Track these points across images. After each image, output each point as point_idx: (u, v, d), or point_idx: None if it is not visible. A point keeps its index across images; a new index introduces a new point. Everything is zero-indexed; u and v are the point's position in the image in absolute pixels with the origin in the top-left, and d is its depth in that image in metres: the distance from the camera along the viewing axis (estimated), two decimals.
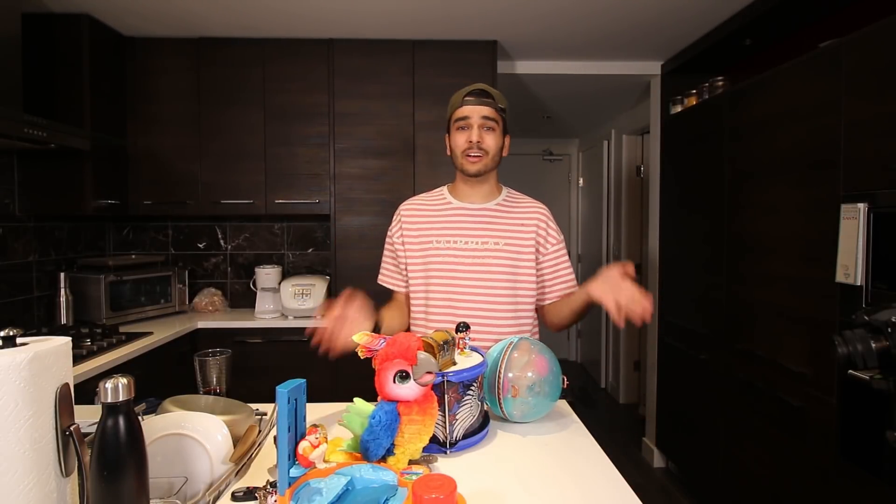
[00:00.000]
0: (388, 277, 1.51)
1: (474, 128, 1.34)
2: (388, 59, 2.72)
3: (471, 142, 1.34)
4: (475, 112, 1.34)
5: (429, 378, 0.87)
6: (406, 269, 1.44)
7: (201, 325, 2.60)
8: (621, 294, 1.11)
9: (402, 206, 1.49)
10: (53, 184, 2.36)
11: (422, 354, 0.87)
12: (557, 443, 1.05)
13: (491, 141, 1.35)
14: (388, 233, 1.49)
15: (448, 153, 1.42)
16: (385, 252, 1.52)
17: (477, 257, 1.36)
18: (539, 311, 1.46)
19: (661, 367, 2.93)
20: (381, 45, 2.71)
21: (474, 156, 1.34)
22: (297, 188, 2.75)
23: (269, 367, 2.57)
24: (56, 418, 0.65)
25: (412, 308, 1.44)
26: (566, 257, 1.45)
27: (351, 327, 1.14)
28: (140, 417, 0.72)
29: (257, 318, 2.72)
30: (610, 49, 2.86)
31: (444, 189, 1.49)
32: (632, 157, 4.10)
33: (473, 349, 1.13)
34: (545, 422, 1.16)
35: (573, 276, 1.44)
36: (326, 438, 0.78)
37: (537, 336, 1.43)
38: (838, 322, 1.56)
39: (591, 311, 1.34)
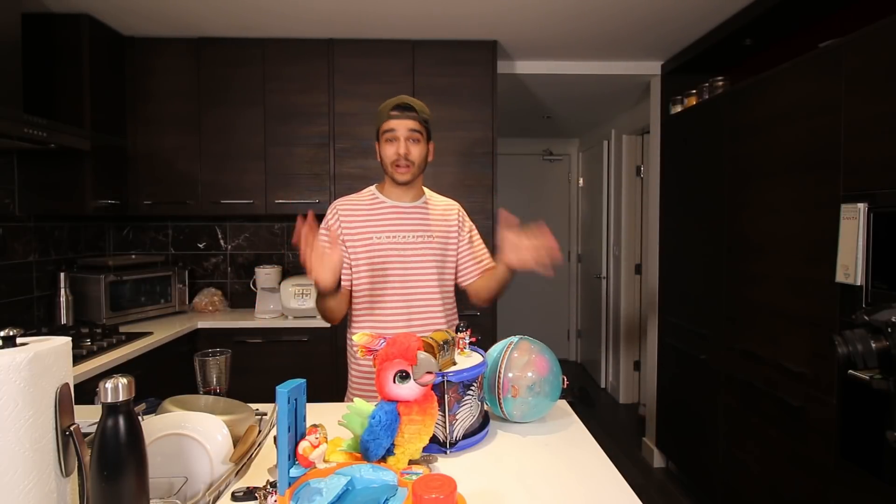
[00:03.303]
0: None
1: (401, 140, 1.44)
2: (388, 59, 2.72)
3: (399, 154, 1.44)
4: (401, 126, 1.44)
5: (429, 378, 0.87)
6: (349, 264, 1.49)
7: (201, 325, 2.60)
8: (527, 252, 1.31)
9: (337, 204, 1.53)
10: (53, 184, 2.36)
11: (422, 354, 0.87)
12: (557, 443, 1.05)
13: (416, 152, 1.47)
14: (325, 227, 1.51)
15: (378, 159, 1.52)
16: (325, 242, 1.50)
17: (416, 250, 1.50)
18: (466, 289, 1.62)
19: (661, 367, 2.93)
20: (381, 45, 2.71)
21: (403, 166, 1.46)
22: (297, 188, 2.75)
23: (269, 367, 2.57)
24: (56, 418, 0.65)
25: (355, 302, 1.50)
26: (480, 239, 1.65)
27: (325, 260, 1.24)
28: (140, 417, 0.72)
29: (257, 318, 2.72)
30: (610, 49, 2.86)
31: (374, 189, 1.58)
32: (632, 157, 4.10)
33: (473, 349, 1.13)
34: (545, 422, 1.16)
35: (488, 254, 1.64)
36: (326, 438, 0.78)
37: (455, 314, 1.59)
38: (838, 322, 1.56)
39: (514, 282, 1.52)
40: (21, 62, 2.01)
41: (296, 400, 0.77)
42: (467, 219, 1.65)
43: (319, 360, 2.63)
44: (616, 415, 3.98)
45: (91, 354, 1.90)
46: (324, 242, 1.43)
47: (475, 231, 1.66)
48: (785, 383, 1.82)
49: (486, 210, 2.77)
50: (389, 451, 0.88)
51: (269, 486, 0.74)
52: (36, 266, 2.40)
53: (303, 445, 0.75)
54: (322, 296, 1.34)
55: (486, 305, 1.64)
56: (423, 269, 1.50)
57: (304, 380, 0.79)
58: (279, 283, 2.77)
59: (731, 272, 2.18)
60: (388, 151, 1.47)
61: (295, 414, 0.76)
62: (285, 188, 2.75)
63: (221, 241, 3.07)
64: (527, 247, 1.32)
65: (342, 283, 1.46)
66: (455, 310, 1.60)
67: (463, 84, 2.73)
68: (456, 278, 1.61)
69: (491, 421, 1.11)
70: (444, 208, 1.61)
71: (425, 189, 1.63)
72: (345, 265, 1.48)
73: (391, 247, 1.48)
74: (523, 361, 1.10)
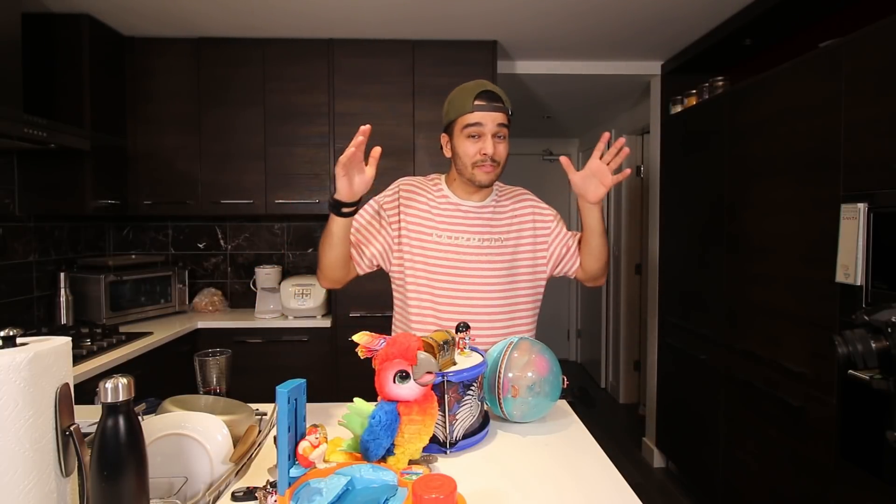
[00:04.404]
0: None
1: (488, 137, 1.25)
2: (388, 59, 2.72)
3: (485, 154, 1.25)
4: (489, 120, 1.25)
5: (429, 378, 0.87)
6: (378, 245, 1.35)
7: (201, 325, 2.60)
8: (599, 174, 1.24)
9: (401, 184, 1.39)
10: (53, 184, 2.36)
11: (422, 354, 0.87)
12: (557, 443, 1.05)
13: (503, 150, 1.29)
14: (377, 201, 1.38)
15: (447, 154, 1.34)
16: (364, 214, 1.37)
17: (480, 254, 1.33)
18: (577, 277, 1.44)
19: (661, 367, 2.93)
20: (381, 45, 2.71)
21: (488, 166, 1.27)
22: (297, 188, 2.75)
23: (269, 367, 2.57)
24: (56, 418, 0.65)
25: (413, 304, 1.34)
26: (565, 227, 1.43)
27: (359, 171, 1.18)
28: (140, 417, 0.72)
29: (257, 318, 2.72)
30: (610, 49, 2.86)
31: (442, 181, 1.40)
32: (632, 157, 4.10)
33: (473, 349, 1.13)
34: (545, 422, 1.16)
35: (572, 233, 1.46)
36: (326, 438, 0.78)
37: (532, 329, 1.42)
38: (838, 322, 1.56)
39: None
40: (21, 62, 2.01)
41: (296, 400, 0.77)
42: (543, 208, 1.43)
43: (319, 360, 2.63)
44: (616, 415, 3.98)
45: (91, 354, 1.90)
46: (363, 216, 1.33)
47: (558, 217, 1.44)
48: (785, 383, 1.82)
49: None
50: (389, 451, 0.87)
51: (269, 486, 0.74)
52: (36, 266, 2.40)
53: (303, 445, 0.75)
54: (335, 214, 1.19)
55: (601, 282, 1.46)
56: (484, 277, 1.32)
57: (304, 380, 0.79)
58: (279, 283, 2.77)
59: (731, 272, 2.18)
60: (470, 149, 1.26)
61: (295, 414, 0.76)
62: (285, 188, 2.75)
63: (221, 241, 3.07)
64: (596, 169, 1.21)
65: (367, 261, 1.34)
66: (532, 324, 1.40)
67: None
68: (558, 272, 1.42)
69: (491, 421, 1.11)
70: (514, 206, 1.40)
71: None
72: (382, 248, 1.34)
73: (452, 248, 1.32)
74: (523, 361, 1.10)
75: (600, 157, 1.24)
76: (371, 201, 1.39)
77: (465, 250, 1.33)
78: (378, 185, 2.86)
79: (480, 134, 1.26)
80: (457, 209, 1.35)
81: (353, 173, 1.18)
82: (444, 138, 1.34)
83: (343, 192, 1.18)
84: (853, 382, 1.32)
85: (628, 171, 1.24)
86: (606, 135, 1.24)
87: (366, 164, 1.19)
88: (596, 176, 1.25)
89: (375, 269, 1.39)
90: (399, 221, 1.35)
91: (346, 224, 1.23)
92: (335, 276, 1.33)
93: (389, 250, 1.36)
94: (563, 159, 1.27)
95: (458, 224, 1.34)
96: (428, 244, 1.33)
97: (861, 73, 1.51)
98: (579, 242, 1.41)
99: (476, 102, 1.24)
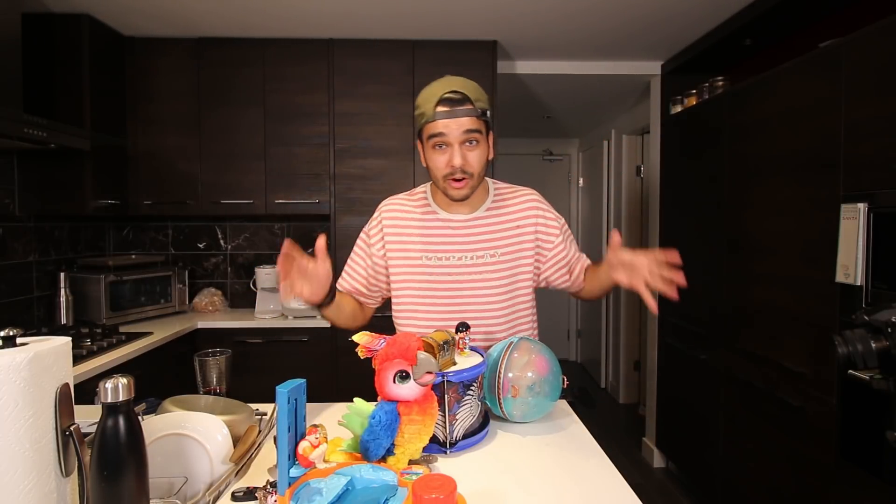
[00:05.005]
0: (349, 281, 1.34)
1: (454, 147, 1.12)
2: (388, 59, 2.72)
3: (453, 166, 1.13)
4: (454, 127, 1.11)
5: (429, 378, 0.87)
6: (384, 279, 1.32)
7: (201, 325, 2.60)
8: (641, 272, 1.01)
9: (382, 209, 1.30)
10: (53, 184, 2.36)
11: (422, 354, 0.87)
12: (557, 443, 1.05)
13: (475, 158, 1.14)
14: (365, 233, 1.32)
15: (424, 164, 1.21)
16: (356, 253, 1.33)
17: (474, 272, 1.24)
18: (567, 290, 1.38)
19: (661, 367, 2.93)
20: (381, 45, 2.71)
21: (459, 180, 1.15)
22: (297, 188, 2.75)
23: (269, 367, 2.57)
24: (56, 418, 0.65)
25: (401, 323, 1.32)
26: (572, 238, 1.34)
27: (309, 280, 1.13)
28: (140, 417, 0.72)
29: (257, 318, 2.72)
30: (610, 49, 2.86)
31: (427, 192, 1.29)
32: (632, 157, 4.10)
33: (473, 349, 1.13)
34: (545, 422, 1.16)
35: (582, 254, 1.37)
36: (326, 438, 0.78)
37: (536, 336, 1.38)
38: (838, 322, 1.56)
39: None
40: (21, 62, 2.01)
41: (296, 400, 0.77)
42: (549, 216, 1.29)
43: (319, 360, 2.63)
44: (616, 415, 3.98)
45: (91, 354, 1.90)
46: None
47: (565, 227, 1.32)
48: (785, 383, 1.82)
49: None
50: (389, 451, 0.88)
51: (269, 486, 0.74)
52: (36, 266, 2.40)
53: (303, 445, 0.75)
54: (318, 308, 1.20)
55: (592, 300, 1.42)
56: (481, 296, 1.24)
57: (304, 380, 0.79)
58: (279, 283, 2.77)
59: (731, 272, 2.18)
60: (438, 162, 1.14)
61: (295, 414, 0.76)
62: (285, 188, 2.75)
63: (221, 241, 3.07)
64: (642, 266, 1.02)
65: (377, 301, 1.35)
66: (535, 329, 1.35)
67: None
68: (548, 284, 1.34)
69: (491, 421, 1.11)
70: (516, 211, 1.27)
71: (491, 185, 1.29)
72: (369, 277, 1.32)
73: (443, 270, 1.23)
74: (523, 361, 1.10)
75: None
76: (361, 235, 1.34)
77: (457, 270, 1.23)
78: (378, 188, 2.84)
79: (447, 144, 1.13)
80: (446, 226, 1.24)
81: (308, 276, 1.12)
82: (419, 146, 1.22)
83: (314, 297, 1.15)
84: (853, 382, 1.32)
85: (654, 309, 1.02)
86: (615, 234, 1.10)
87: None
88: (636, 269, 1.04)
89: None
90: (384, 248, 1.28)
91: (330, 303, 1.20)
92: (354, 326, 1.32)
93: (383, 280, 1.34)
94: (614, 235, 1.09)
95: (448, 243, 1.24)
96: (417, 268, 1.25)
97: (861, 73, 1.51)
98: (581, 270, 1.33)
99: (438, 109, 1.11)
